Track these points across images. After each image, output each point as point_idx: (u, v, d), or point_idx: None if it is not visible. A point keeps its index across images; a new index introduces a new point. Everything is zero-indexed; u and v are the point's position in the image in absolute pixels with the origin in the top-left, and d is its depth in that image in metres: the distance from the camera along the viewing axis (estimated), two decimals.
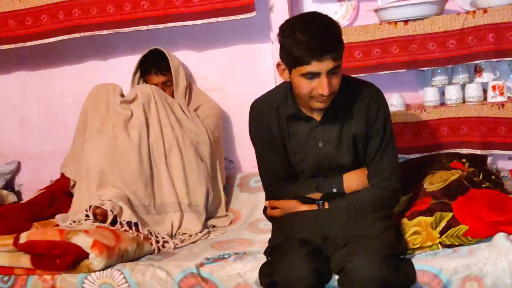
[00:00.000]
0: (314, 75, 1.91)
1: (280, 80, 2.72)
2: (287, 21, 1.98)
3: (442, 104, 2.81)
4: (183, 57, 2.99)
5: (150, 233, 2.39)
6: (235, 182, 2.93)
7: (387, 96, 2.79)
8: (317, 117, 2.09)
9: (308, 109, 2.08)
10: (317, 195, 2.12)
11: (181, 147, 2.60)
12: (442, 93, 2.83)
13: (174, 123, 2.62)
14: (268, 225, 2.33)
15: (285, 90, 2.11)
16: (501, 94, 2.71)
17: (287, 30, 1.94)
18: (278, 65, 2.02)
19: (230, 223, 2.68)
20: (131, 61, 2.93)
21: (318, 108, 2.01)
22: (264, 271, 1.97)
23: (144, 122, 2.56)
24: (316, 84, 1.92)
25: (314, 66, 1.88)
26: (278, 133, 2.11)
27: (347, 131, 2.08)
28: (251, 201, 2.78)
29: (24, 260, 2.20)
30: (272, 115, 2.11)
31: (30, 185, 3.27)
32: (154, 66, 2.81)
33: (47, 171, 3.22)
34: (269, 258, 2.03)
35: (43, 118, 3.29)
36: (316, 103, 1.98)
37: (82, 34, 2.85)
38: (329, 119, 2.08)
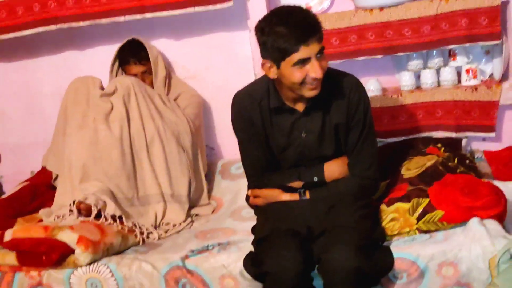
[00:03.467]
0: (304, 61, 1.96)
1: (259, 68, 2.75)
2: (262, 20, 2.01)
3: (418, 87, 2.86)
4: (161, 45, 2.99)
5: (134, 225, 2.43)
6: (216, 169, 2.96)
7: (364, 81, 2.84)
8: (300, 108, 2.13)
9: (291, 101, 2.12)
10: (298, 184, 2.17)
11: (163, 139, 2.61)
12: (418, 77, 2.88)
13: (154, 114, 2.63)
14: (251, 212, 2.39)
15: (267, 83, 2.14)
16: (474, 77, 2.78)
17: (266, 28, 1.98)
18: (262, 65, 2.05)
19: (213, 211, 2.72)
20: (109, 50, 2.91)
21: (310, 96, 2.04)
22: (250, 262, 2.03)
23: (125, 114, 2.57)
24: (308, 69, 1.97)
25: (303, 52, 1.94)
26: (260, 125, 2.15)
27: (329, 122, 2.13)
28: (232, 188, 2.82)
29: (10, 258, 2.22)
30: (255, 108, 2.14)
31: (11, 177, 3.26)
32: (132, 56, 2.80)
33: (28, 162, 3.21)
34: (255, 249, 2.08)
35: (22, 109, 3.27)
36: (309, 91, 2.02)
37: (59, 26, 2.82)
38: (311, 110, 2.12)
